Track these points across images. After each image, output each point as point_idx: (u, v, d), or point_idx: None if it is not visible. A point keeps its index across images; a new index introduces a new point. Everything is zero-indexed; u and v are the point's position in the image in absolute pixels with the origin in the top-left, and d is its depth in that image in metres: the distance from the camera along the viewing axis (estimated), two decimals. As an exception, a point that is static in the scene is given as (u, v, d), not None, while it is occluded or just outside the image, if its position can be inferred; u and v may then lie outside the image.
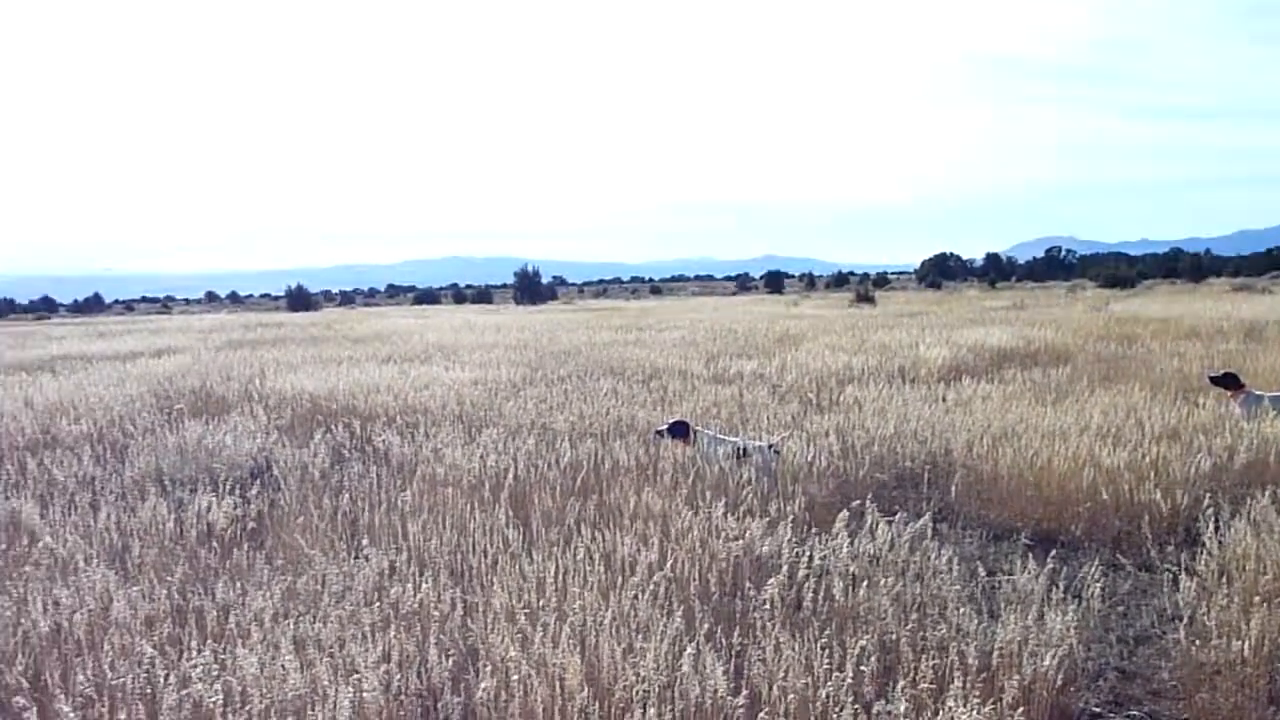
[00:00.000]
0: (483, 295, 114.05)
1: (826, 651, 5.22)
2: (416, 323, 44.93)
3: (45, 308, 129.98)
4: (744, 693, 4.91)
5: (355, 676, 4.87)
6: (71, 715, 4.54)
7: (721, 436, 10.47)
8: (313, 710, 4.69)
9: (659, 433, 10.66)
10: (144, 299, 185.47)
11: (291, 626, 5.68)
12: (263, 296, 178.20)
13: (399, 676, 5.05)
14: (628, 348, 24.53)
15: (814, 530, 7.55)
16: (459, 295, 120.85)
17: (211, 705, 4.72)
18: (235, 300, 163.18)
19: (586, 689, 4.91)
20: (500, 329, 35.54)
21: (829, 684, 4.93)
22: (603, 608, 5.82)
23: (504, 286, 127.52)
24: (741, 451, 9.83)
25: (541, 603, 5.98)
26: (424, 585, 6.24)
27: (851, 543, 7.00)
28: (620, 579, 6.33)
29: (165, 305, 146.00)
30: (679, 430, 10.47)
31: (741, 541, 7.16)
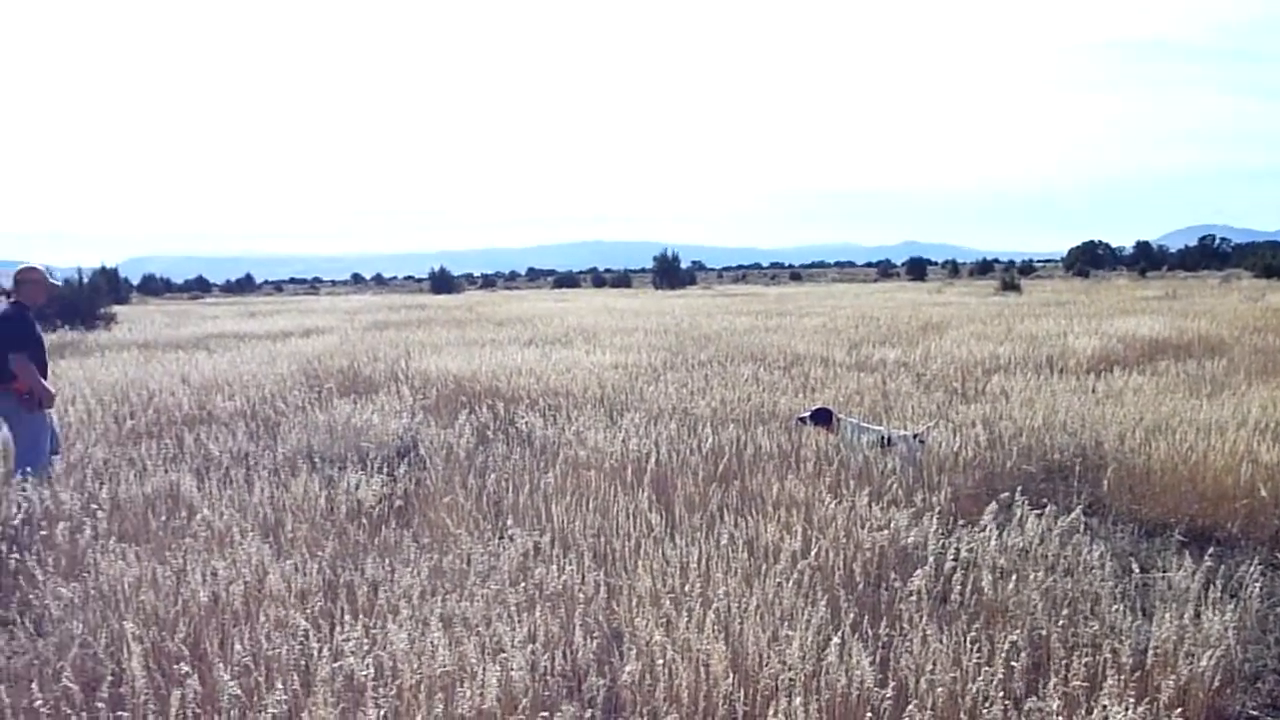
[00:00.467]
0: (622, 279, 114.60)
1: (975, 645, 5.14)
2: (557, 306, 45.33)
3: (199, 287, 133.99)
4: (891, 685, 4.86)
5: (502, 655, 4.93)
6: (230, 683, 4.68)
7: (865, 425, 10.36)
8: (461, 687, 4.75)
9: (801, 419, 10.59)
10: (292, 280, 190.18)
11: (439, 604, 5.77)
12: (406, 279, 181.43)
13: (545, 657, 5.09)
14: (768, 334, 24.45)
15: (960, 522, 7.44)
16: (598, 279, 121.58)
17: (363, 679, 4.81)
18: (380, 282, 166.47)
19: (731, 675, 4.90)
20: (639, 313, 35.68)
21: (978, 678, 4.85)
22: (747, 594, 5.81)
23: (643, 271, 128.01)
24: (885, 441, 9.72)
25: (685, 588, 5.98)
26: (568, 567, 6.29)
27: (1000, 535, 6.88)
28: (764, 566, 6.31)
29: (313, 286, 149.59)
30: (822, 417, 10.39)
31: (886, 531, 7.08)
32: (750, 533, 7.03)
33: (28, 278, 9.61)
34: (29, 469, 9.03)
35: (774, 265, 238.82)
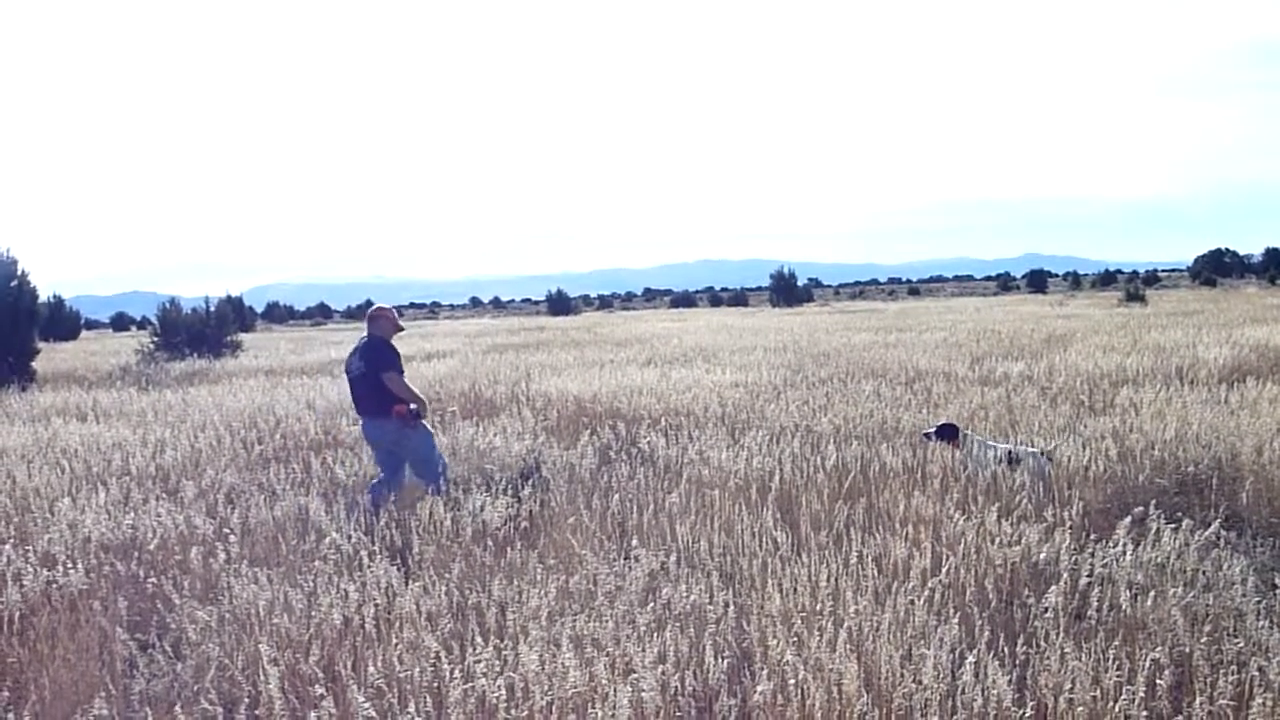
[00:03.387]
0: (738, 298, 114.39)
1: (1115, 663, 5.00)
2: (674, 326, 45.38)
3: (321, 314, 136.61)
4: (1029, 705, 4.74)
5: (633, 676, 4.91)
6: (365, 705, 4.72)
7: (990, 441, 10.18)
8: (593, 709, 4.74)
9: (926, 435, 10.45)
10: (412, 305, 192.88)
11: (568, 625, 5.76)
12: (524, 301, 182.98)
13: (675, 677, 5.06)
14: (888, 349, 24.21)
15: (1092, 537, 7.25)
16: (715, 298, 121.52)
17: (495, 700, 4.82)
18: (498, 305, 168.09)
19: (865, 695, 4.83)
20: (757, 331, 35.58)
21: (1120, 697, 4.72)
22: (878, 612, 5.72)
23: (759, 289, 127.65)
24: (1013, 458, 9.54)
25: (815, 606, 5.91)
26: (695, 586, 6.25)
27: (1135, 550, 6.71)
28: (893, 584, 6.21)
29: (432, 310, 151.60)
30: (947, 433, 10.24)
31: (1017, 547, 6.93)
32: (878, 550, 6.94)
33: (380, 314, 10.23)
34: (432, 477, 9.69)
35: (891, 280, 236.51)
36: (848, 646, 5.15)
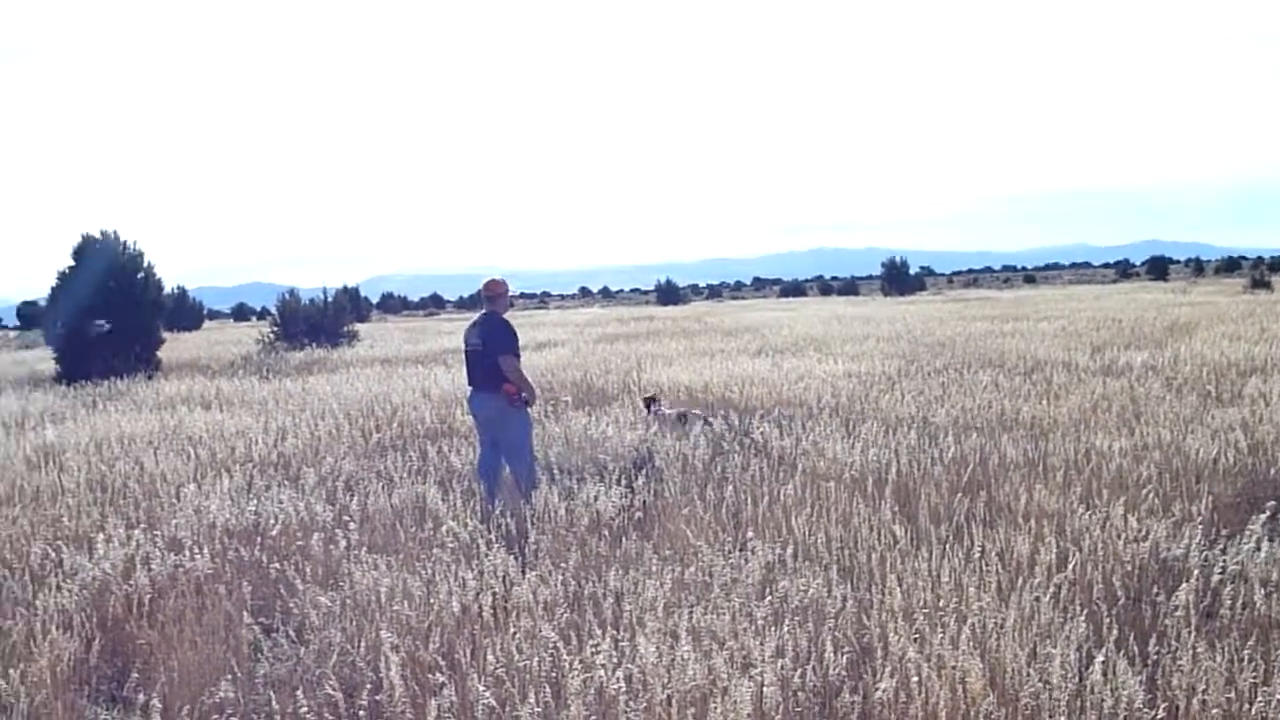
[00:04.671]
0: (849, 287, 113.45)
1: (1250, 663, 4.84)
2: (785, 315, 45.13)
3: (434, 304, 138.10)
4: (1161, 705, 4.61)
5: (753, 670, 4.87)
6: (485, 694, 4.74)
7: (668, 409, 10.24)
8: (713, 702, 4.70)
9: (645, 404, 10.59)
10: (522, 295, 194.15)
11: (685, 617, 5.73)
12: (632, 291, 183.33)
13: (795, 672, 5.00)
14: (1004, 339, 23.83)
15: (1223, 532, 7.03)
16: (825, 287, 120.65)
17: (614, 692, 4.81)
18: (607, 295, 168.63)
19: (990, 694, 4.73)
20: (869, 321, 35.25)
21: (1257, 699, 4.57)
22: (1002, 609, 5.60)
23: (870, 278, 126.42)
24: (681, 417, 9.71)
25: (937, 602, 5.81)
26: (813, 580, 6.19)
27: (1269, 546, 6.50)
28: (1017, 580, 6.08)
29: (542, 300, 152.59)
30: (650, 403, 10.34)
31: (1145, 543, 6.76)
32: (1001, 545, 6.81)
33: (498, 291, 10.08)
34: (520, 466, 9.61)
35: (1006, 269, 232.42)
36: (971, 644, 5.06)
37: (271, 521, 8.33)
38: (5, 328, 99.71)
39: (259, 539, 8.04)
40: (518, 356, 9.74)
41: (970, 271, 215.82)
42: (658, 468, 10.16)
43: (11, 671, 5.58)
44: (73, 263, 27.24)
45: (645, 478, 9.51)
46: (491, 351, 9.60)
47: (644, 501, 8.77)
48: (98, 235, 27.45)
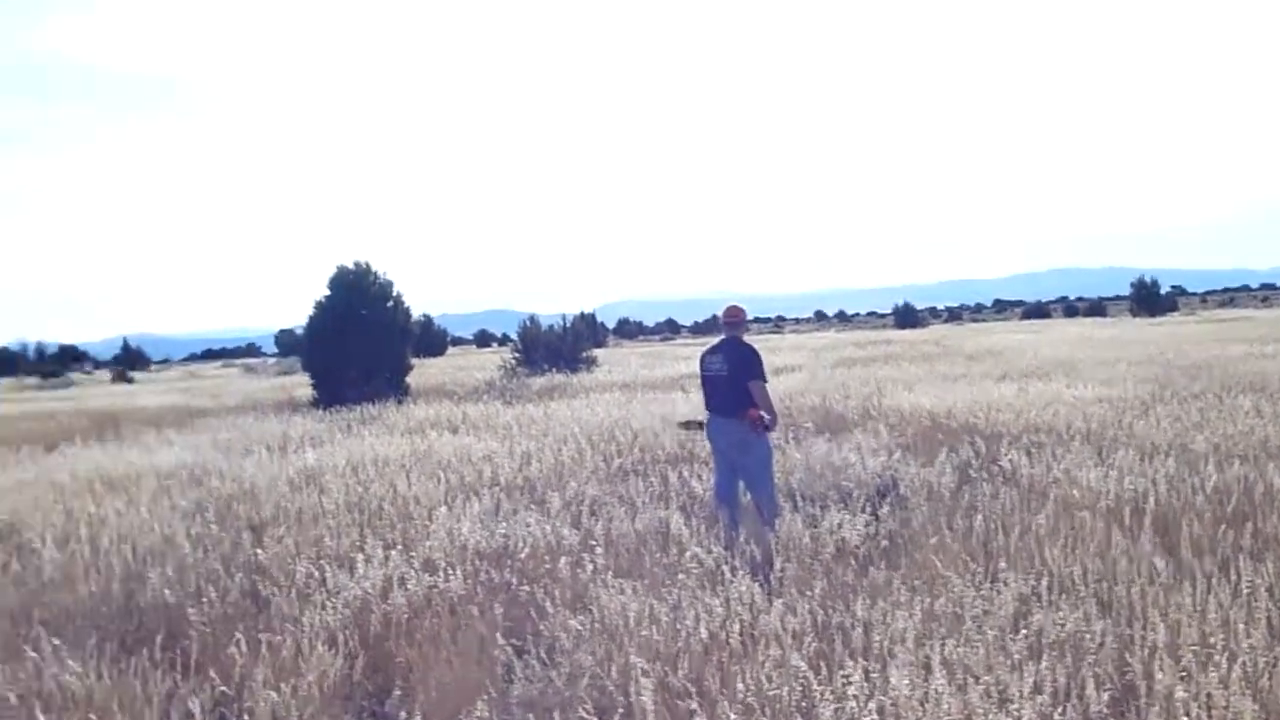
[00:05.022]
0: (1095, 308, 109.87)
1: None
2: (1028, 338, 43.97)
3: (670, 329, 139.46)
4: None
5: (1011, 706, 4.73)
6: (738, 723, 4.73)
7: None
8: (970, 738, 4.60)
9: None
10: (756, 319, 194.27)
11: (937, 649, 5.62)
12: (869, 314, 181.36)
13: (1055, 710, 4.84)
14: (1266, 361, 22.66)
15: None
16: (1069, 309, 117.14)
17: (866, 724, 4.75)
18: (843, 318, 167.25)
19: (1268, 739, 4.49)
20: (1119, 343, 34.05)
21: None
22: (1273, 647, 5.31)
23: (1117, 299, 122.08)
24: (690, 423, 9.04)
25: (1204, 639, 5.55)
26: (1070, 614, 5.99)
27: None
28: (1292, 617, 5.76)
29: (776, 325, 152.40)
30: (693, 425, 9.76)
31: None
32: (1270, 579, 6.45)
33: (738, 316, 10.13)
34: (762, 493, 9.55)
35: (1265, 287, 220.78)
36: (1242, 683, 4.81)
37: (520, 544, 8.52)
38: (264, 355, 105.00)
39: (508, 562, 8.23)
40: (765, 381, 9.72)
41: (1225, 290, 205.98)
42: (902, 495, 10.00)
43: (283, 685, 5.84)
44: (328, 292, 28.53)
45: (890, 505, 9.37)
46: (738, 376, 9.58)
47: (890, 530, 8.65)
48: (351, 266, 28.70)
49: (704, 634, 6.15)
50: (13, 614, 7.80)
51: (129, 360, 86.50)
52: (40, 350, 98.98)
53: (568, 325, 37.55)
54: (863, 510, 9.05)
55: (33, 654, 6.48)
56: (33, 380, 66.37)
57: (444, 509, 9.94)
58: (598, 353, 42.21)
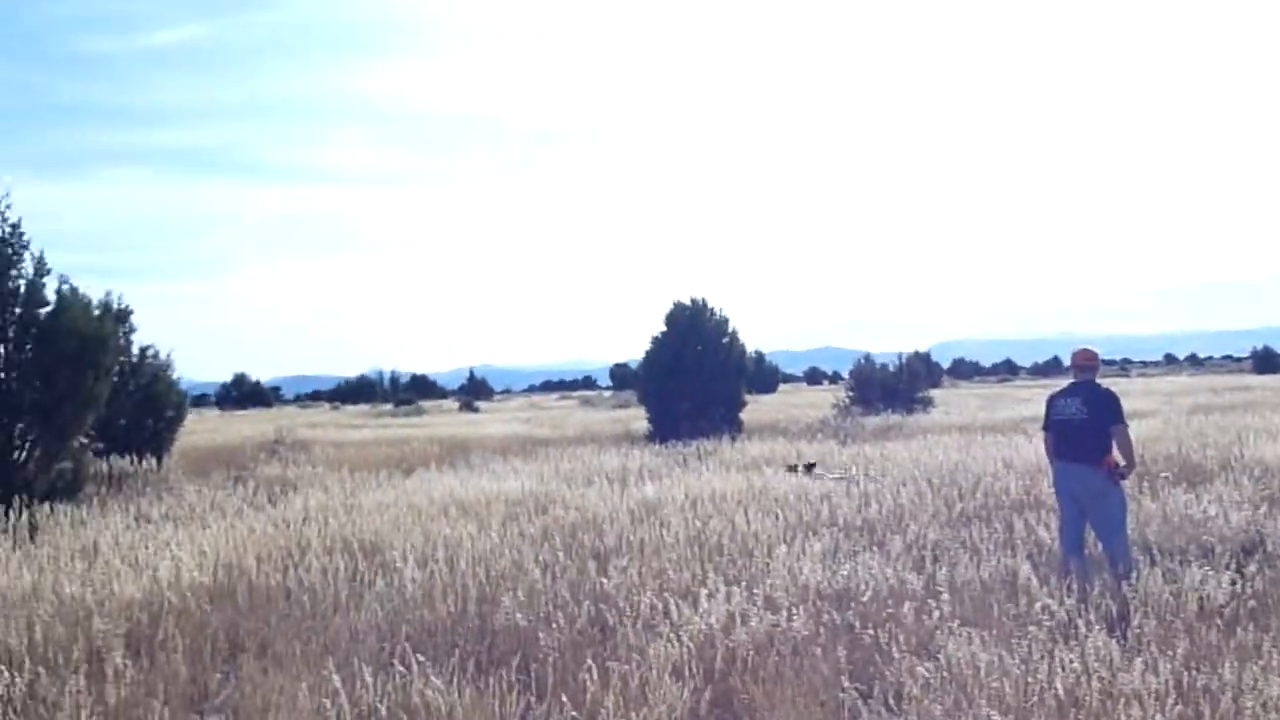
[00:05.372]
0: None
1: None
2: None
3: (1007, 370, 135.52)
4: None
5: None
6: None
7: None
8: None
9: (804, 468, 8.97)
10: (1101, 362, 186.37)
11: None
12: (1224, 358, 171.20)
13: None
14: None
15: None
16: None
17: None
18: (1194, 362, 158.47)
19: None
20: None
21: None
22: None
23: None
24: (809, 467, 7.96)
25: None
26: None
27: None
28: None
29: (1122, 368, 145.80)
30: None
31: None
32: None
33: (1092, 361, 10.09)
34: (1116, 543, 9.26)
35: None
36: None
37: (862, 587, 8.43)
38: (600, 387, 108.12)
39: (850, 603, 8.15)
40: (1127, 426, 9.35)
41: None
42: (1271, 553, 9.37)
43: (633, 715, 5.97)
44: (664, 328, 29.14)
45: (1258, 564, 8.79)
46: (1100, 420, 9.26)
47: (1258, 589, 8.11)
48: (687, 302, 29.23)
49: (1059, 689, 5.93)
50: (379, 628, 8.28)
51: (474, 390, 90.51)
52: (394, 379, 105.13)
53: (903, 364, 37.09)
54: (1227, 567, 8.54)
55: (400, 668, 6.85)
56: (387, 407, 70.51)
57: (784, 547, 9.95)
58: (934, 393, 41.46)
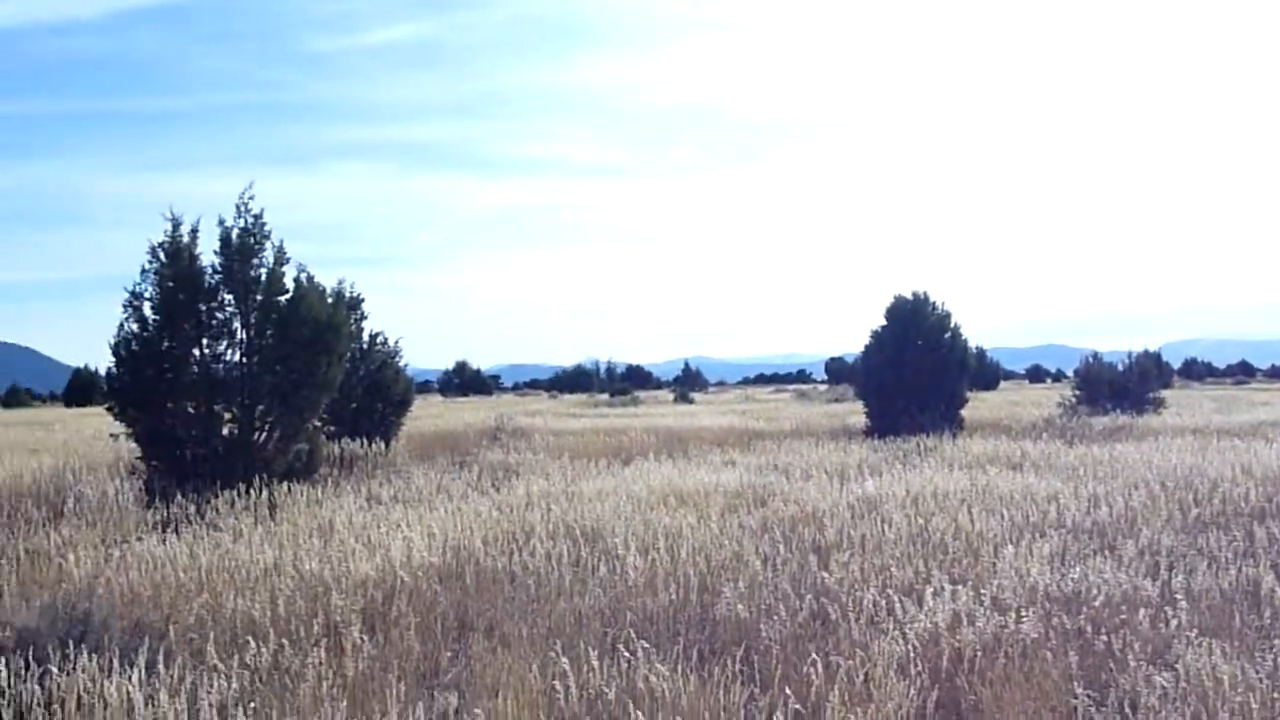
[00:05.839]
0: None
1: None
2: None
3: (1242, 372, 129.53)
4: None
5: None
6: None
7: None
8: None
9: None
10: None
11: None
12: None
13: None
14: None
15: None
16: None
17: None
18: None
19: None
20: None
21: None
22: None
23: None
24: None
25: None
26: None
27: None
28: None
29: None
30: None
31: None
32: None
33: None
34: None
35: None
36: None
37: (1093, 591, 8.18)
38: (814, 381, 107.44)
39: (1081, 608, 7.93)
40: None
41: None
42: None
43: (858, 710, 5.94)
44: (884, 322, 28.76)
45: None
46: None
47: None
48: (909, 296, 28.78)
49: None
50: (603, 614, 8.42)
51: (689, 381, 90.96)
52: (610, 369, 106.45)
53: (1132, 363, 35.82)
54: None
55: (625, 653, 6.96)
56: (603, 397, 71.48)
57: (1010, 547, 9.72)
58: (1165, 394, 39.88)
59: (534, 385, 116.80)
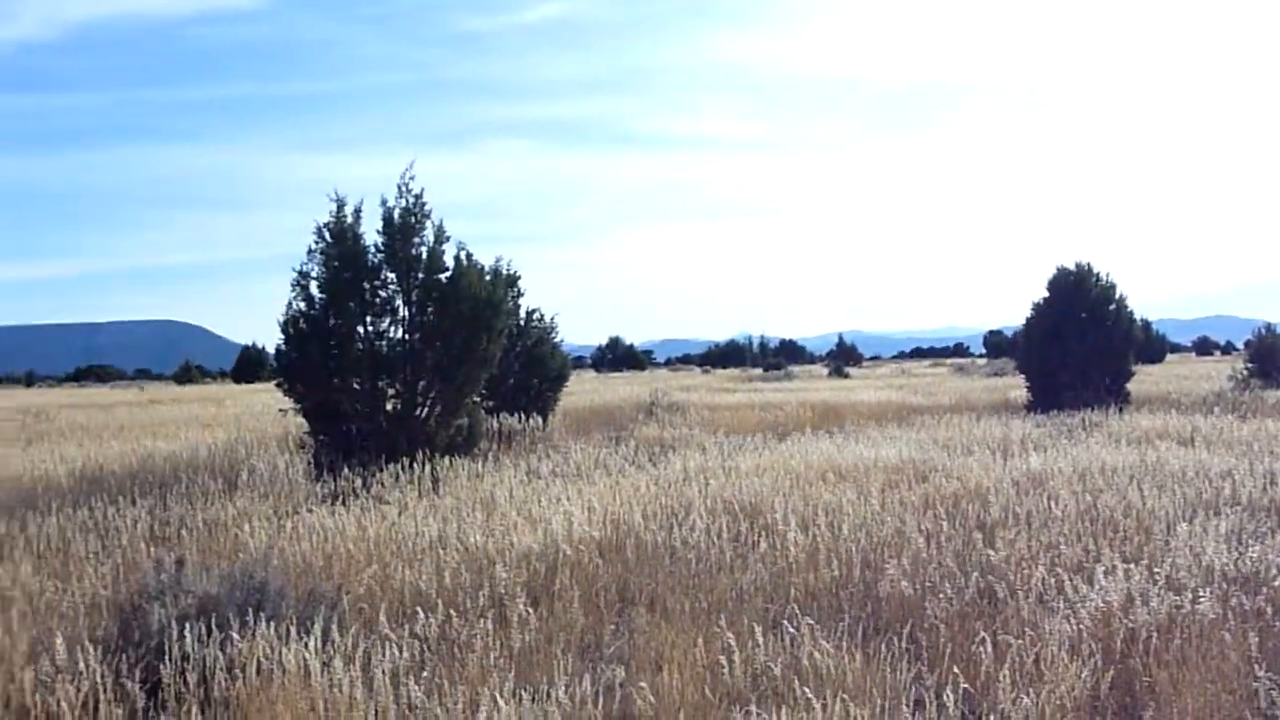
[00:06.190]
0: None
1: None
2: None
3: None
4: None
5: None
6: None
7: None
8: None
9: None
10: None
11: None
12: None
13: None
14: None
15: None
16: None
17: None
18: None
19: None
20: None
21: None
22: None
23: None
24: None
25: None
26: None
27: None
28: None
29: None
30: None
31: None
32: None
33: None
34: None
35: None
36: None
37: (1273, 571, 7.88)
38: (973, 355, 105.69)
39: (1261, 588, 7.65)
40: None
41: None
42: None
43: (1030, 690, 5.84)
44: (1046, 294, 28.13)
45: None
46: None
47: None
48: (1071, 267, 28.08)
49: None
50: (765, 589, 8.41)
51: (844, 355, 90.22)
52: (763, 344, 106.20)
53: (1309, 335, 34.51)
54: None
55: (790, 629, 6.94)
56: (756, 371, 71.35)
57: (1184, 525, 9.43)
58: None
59: (686, 360, 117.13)
